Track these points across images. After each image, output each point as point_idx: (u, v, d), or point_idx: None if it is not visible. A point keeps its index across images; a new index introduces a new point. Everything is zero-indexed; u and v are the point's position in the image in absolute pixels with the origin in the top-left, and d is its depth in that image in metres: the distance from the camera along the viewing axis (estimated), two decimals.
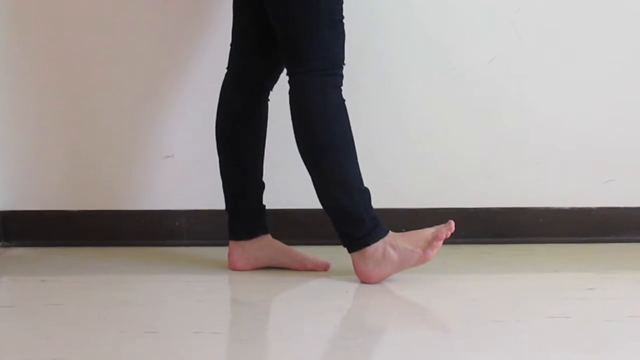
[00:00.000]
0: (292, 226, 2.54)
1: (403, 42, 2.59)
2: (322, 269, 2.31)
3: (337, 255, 2.35)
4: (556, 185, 2.62)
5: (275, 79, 2.31)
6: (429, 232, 2.17)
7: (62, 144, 2.61)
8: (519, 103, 2.61)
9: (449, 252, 2.48)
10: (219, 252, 2.46)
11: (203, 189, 2.60)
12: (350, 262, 2.25)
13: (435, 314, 2.04)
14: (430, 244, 2.15)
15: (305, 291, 2.19)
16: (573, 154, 2.62)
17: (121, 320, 1.93)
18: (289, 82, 2.19)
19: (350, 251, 2.19)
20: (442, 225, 2.17)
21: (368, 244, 2.16)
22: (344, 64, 2.18)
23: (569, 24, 2.59)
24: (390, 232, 2.18)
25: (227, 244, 2.35)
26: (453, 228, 2.16)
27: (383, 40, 2.57)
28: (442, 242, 2.15)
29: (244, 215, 2.31)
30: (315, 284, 2.21)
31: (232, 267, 2.32)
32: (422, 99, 2.60)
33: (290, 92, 2.19)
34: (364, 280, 2.19)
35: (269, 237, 2.32)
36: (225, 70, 2.33)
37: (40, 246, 2.58)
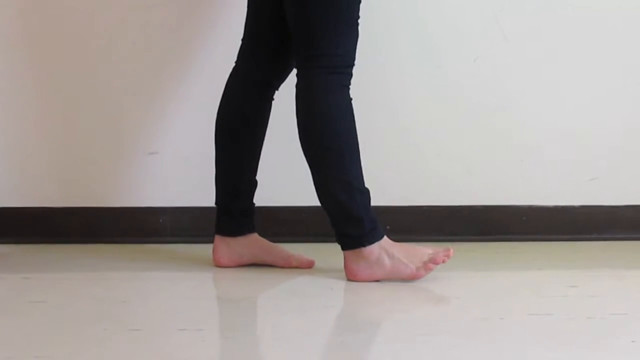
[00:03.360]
0: (276, 224, 2.54)
1: (388, 39, 2.59)
2: (306, 266, 2.31)
3: (321, 252, 2.36)
4: (540, 183, 2.64)
5: (283, 79, 2.30)
6: (426, 252, 2.18)
7: (45, 141, 2.60)
8: (504, 101, 2.62)
9: None
10: (203, 249, 2.46)
11: (187, 186, 2.60)
12: (335, 259, 2.26)
13: (418, 311, 2.05)
14: (425, 265, 2.15)
15: (290, 288, 2.19)
16: (557, 152, 2.63)
17: (104, 317, 1.92)
18: (297, 76, 2.18)
19: (344, 249, 2.19)
20: (441, 250, 2.18)
21: (364, 245, 2.16)
22: (354, 64, 2.17)
23: (553, 23, 2.60)
24: (388, 239, 2.18)
25: (211, 241, 2.35)
26: (451, 255, 2.17)
27: (367, 38, 2.56)
28: (436, 266, 2.16)
29: (233, 212, 2.30)
30: (300, 282, 2.21)
31: (217, 263, 2.31)
32: (407, 96, 2.61)
33: (297, 87, 2.18)
34: (351, 278, 2.19)
35: (255, 235, 2.32)
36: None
37: (22, 243, 2.57)
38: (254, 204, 2.33)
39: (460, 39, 2.59)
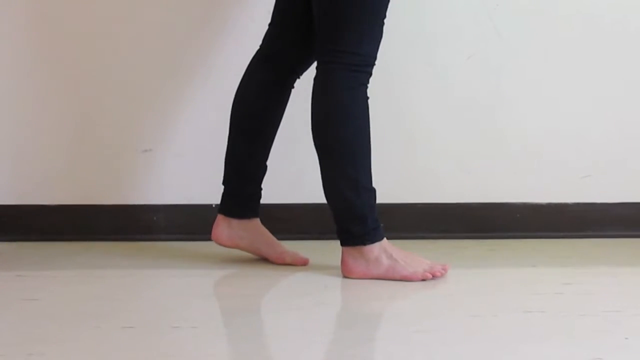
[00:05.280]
0: (269, 221, 2.53)
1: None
2: (300, 264, 2.31)
3: (314, 250, 2.36)
4: (533, 180, 2.64)
5: (307, 67, 2.29)
6: (425, 262, 2.19)
7: (38, 138, 2.60)
8: (497, 99, 2.62)
9: (426, 247, 2.49)
10: (197, 247, 2.46)
11: (181, 184, 2.60)
12: (328, 257, 2.26)
13: (412, 308, 2.05)
14: (423, 271, 2.17)
15: (284, 286, 2.19)
16: (550, 150, 2.64)
17: (98, 315, 1.92)
18: (317, 69, 2.18)
19: (344, 245, 2.19)
20: (438, 264, 2.20)
21: (364, 243, 2.16)
22: (375, 63, 2.17)
23: (547, 20, 2.60)
24: (387, 241, 2.19)
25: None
26: (447, 271, 2.19)
27: None
28: (432, 277, 2.17)
29: (240, 194, 2.30)
30: (294, 279, 2.21)
31: (215, 239, 2.31)
32: (400, 94, 2.61)
33: (316, 80, 2.17)
34: (347, 274, 2.19)
35: (257, 221, 2.32)
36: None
37: (16, 241, 2.57)
38: (261, 188, 2.32)
39: (453, 37, 2.59)
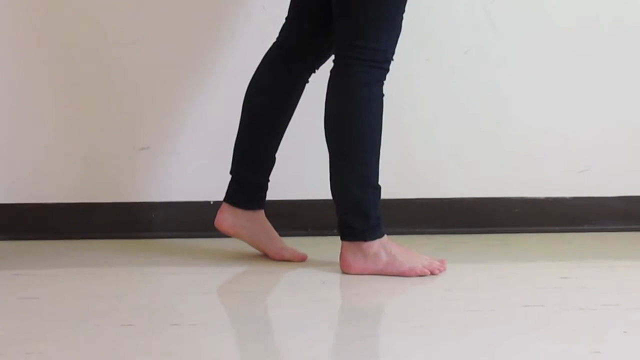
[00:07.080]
0: (267, 218, 2.54)
1: None
2: (298, 260, 2.31)
3: (312, 246, 2.36)
4: (531, 175, 2.64)
5: (323, 61, 2.28)
6: (423, 259, 2.19)
7: (35, 137, 2.60)
8: (494, 93, 2.62)
9: (424, 242, 2.50)
10: (195, 244, 2.46)
11: (179, 181, 2.60)
12: (327, 253, 2.26)
13: (410, 303, 2.05)
14: (422, 267, 2.17)
15: (282, 282, 2.19)
16: (547, 144, 2.64)
17: (97, 313, 1.92)
18: (334, 62, 2.17)
19: (344, 239, 2.19)
20: (437, 260, 2.20)
21: (365, 239, 2.16)
22: (393, 59, 2.17)
23: (544, 15, 2.60)
24: (387, 237, 2.19)
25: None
26: (445, 268, 2.19)
27: None
28: (429, 273, 2.17)
29: (247, 185, 2.29)
30: (293, 275, 2.21)
31: (217, 226, 2.30)
32: (397, 90, 2.60)
33: (332, 75, 2.16)
34: (345, 269, 2.19)
35: (262, 213, 2.32)
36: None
37: (13, 239, 2.57)
38: (269, 180, 2.32)
39: (450, 31, 2.59)
